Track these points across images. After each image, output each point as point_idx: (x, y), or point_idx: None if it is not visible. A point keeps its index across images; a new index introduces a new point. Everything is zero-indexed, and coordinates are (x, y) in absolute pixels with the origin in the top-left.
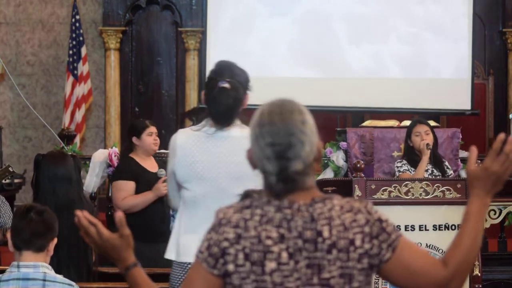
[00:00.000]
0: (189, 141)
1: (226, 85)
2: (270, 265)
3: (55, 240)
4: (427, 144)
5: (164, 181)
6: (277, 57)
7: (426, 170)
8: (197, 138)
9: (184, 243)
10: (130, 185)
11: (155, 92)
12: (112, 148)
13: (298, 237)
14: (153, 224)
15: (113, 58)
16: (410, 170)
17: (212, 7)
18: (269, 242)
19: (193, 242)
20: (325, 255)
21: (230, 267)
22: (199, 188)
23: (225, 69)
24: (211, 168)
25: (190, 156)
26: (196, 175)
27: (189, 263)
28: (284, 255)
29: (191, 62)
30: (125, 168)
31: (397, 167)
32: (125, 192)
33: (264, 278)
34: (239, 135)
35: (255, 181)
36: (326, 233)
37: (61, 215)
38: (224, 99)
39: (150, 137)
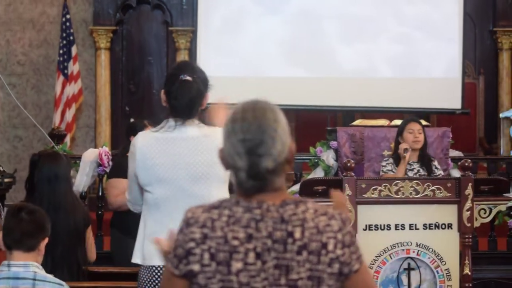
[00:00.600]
0: (148, 143)
1: (188, 78)
2: (236, 265)
3: (46, 240)
4: (405, 149)
5: None
6: (268, 56)
7: (412, 170)
8: (156, 140)
9: (149, 247)
10: (123, 183)
11: (146, 92)
12: (102, 147)
13: (267, 237)
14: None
15: (104, 58)
16: (393, 170)
17: (202, 7)
18: (235, 242)
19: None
20: (295, 256)
21: (196, 267)
22: (160, 191)
23: (186, 65)
24: (171, 169)
25: (149, 159)
26: (156, 177)
27: (156, 266)
28: (251, 255)
29: None
30: (120, 166)
31: (383, 166)
32: (118, 190)
33: (230, 278)
34: (198, 135)
35: (215, 181)
36: (297, 234)
37: (58, 215)
38: (186, 91)
39: None
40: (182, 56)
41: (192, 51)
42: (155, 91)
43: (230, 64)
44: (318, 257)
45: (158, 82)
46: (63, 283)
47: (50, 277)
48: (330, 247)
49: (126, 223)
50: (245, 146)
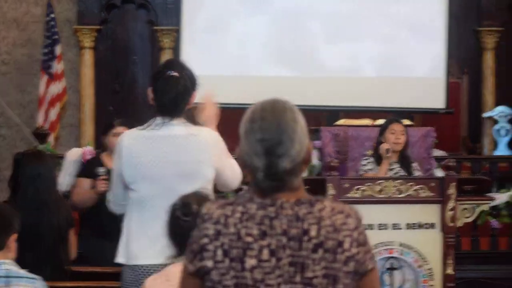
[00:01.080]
0: (135, 141)
1: (175, 73)
2: (250, 261)
3: (15, 236)
4: (387, 150)
5: (104, 179)
6: (252, 56)
7: (392, 170)
8: (143, 138)
9: (134, 246)
10: (84, 182)
11: (130, 91)
12: (86, 147)
13: (282, 235)
14: (115, 220)
15: (88, 57)
16: (375, 169)
17: (187, 6)
18: (249, 239)
19: (142, 245)
20: (310, 254)
21: (209, 263)
22: (146, 189)
23: (174, 62)
24: (158, 168)
25: (136, 157)
26: (143, 175)
27: (140, 266)
28: (265, 252)
29: None
30: (87, 166)
31: (362, 165)
32: (80, 188)
33: (244, 274)
34: (185, 134)
35: (201, 180)
36: (313, 232)
37: (42, 214)
38: (173, 86)
39: (114, 138)
40: (167, 55)
41: (176, 50)
42: (140, 91)
43: (214, 64)
44: (334, 255)
45: (142, 82)
46: (37, 277)
47: (23, 272)
48: (346, 245)
49: (99, 224)
50: (263, 146)
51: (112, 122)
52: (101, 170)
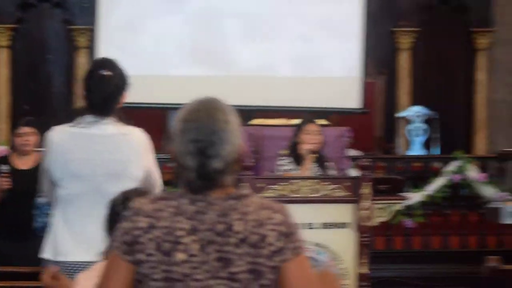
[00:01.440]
0: (64, 138)
1: (108, 73)
2: (180, 256)
3: None
4: (307, 150)
5: (6, 176)
6: (169, 55)
7: (309, 169)
8: (72, 135)
9: (60, 242)
10: None
11: (46, 90)
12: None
13: (209, 230)
14: (18, 220)
15: (3, 56)
16: (294, 169)
17: (103, 5)
18: (180, 233)
19: (69, 241)
20: (235, 249)
21: (141, 256)
22: (74, 186)
23: (106, 61)
24: (87, 166)
25: (65, 154)
26: (71, 172)
27: (68, 262)
28: (195, 247)
29: (82, 60)
30: None
31: (280, 165)
32: None
33: (173, 268)
34: (116, 133)
35: (130, 180)
36: (237, 227)
37: None
38: (105, 86)
39: (18, 138)
40: (83, 54)
41: (92, 49)
42: (55, 89)
43: (131, 63)
44: (258, 250)
45: (58, 81)
46: None
47: None
48: (271, 239)
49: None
50: (196, 146)
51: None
52: (3, 168)
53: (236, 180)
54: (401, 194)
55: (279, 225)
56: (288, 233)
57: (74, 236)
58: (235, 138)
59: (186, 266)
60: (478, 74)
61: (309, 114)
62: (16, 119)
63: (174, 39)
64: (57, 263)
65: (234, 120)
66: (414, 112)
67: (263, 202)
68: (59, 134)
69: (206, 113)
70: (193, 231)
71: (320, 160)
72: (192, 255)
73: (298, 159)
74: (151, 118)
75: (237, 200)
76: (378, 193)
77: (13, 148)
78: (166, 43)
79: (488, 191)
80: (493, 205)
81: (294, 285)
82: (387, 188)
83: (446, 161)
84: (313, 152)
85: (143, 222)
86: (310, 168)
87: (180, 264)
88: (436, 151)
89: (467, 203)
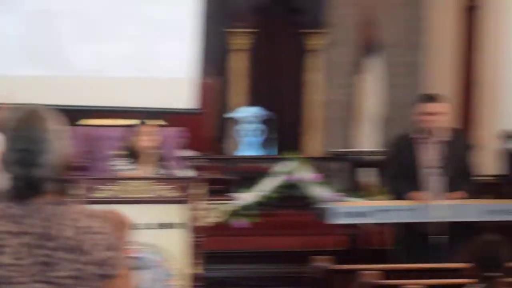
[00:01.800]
0: None
1: None
2: (2, 259)
3: None
4: (145, 147)
5: None
6: (3, 55)
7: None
8: None
9: None
10: None
11: None
12: None
13: (32, 234)
14: None
15: None
16: (131, 170)
17: None
18: (3, 236)
19: None
20: (55, 254)
21: None
22: None
23: None
24: None
25: None
26: None
27: None
28: (16, 250)
29: None
30: None
31: (116, 165)
32: None
33: None
34: None
35: None
36: (62, 233)
37: None
38: None
39: None
40: None
41: None
42: None
43: None
44: (79, 257)
45: None
46: None
47: None
48: (89, 247)
49: None
50: (17, 156)
51: None
52: None
53: (65, 186)
54: (231, 194)
55: (102, 234)
56: (113, 246)
57: None
58: (59, 146)
59: (7, 270)
60: (312, 75)
61: (145, 114)
62: None
63: (8, 39)
64: None
65: (55, 128)
66: (249, 113)
67: (86, 210)
68: None
69: (28, 123)
70: (15, 235)
71: (158, 161)
72: (14, 259)
73: (134, 159)
74: None
75: (62, 206)
76: (210, 193)
77: None
78: (2, 44)
79: (320, 191)
80: (324, 205)
81: None
82: (219, 188)
83: (275, 161)
84: (150, 152)
85: None
86: (147, 168)
87: (4, 267)
88: (273, 151)
89: (300, 204)
